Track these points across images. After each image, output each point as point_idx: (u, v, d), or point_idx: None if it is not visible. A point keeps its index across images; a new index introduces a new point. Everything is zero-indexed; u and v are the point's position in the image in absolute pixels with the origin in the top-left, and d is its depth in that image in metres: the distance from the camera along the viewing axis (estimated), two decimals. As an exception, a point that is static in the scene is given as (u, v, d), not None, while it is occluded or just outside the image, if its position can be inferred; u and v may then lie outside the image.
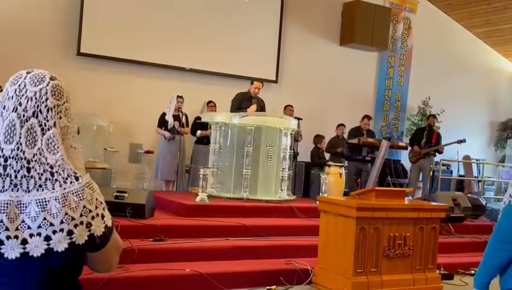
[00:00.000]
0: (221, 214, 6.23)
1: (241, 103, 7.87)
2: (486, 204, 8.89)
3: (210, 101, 9.05)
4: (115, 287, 4.30)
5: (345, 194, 7.87)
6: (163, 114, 8.44)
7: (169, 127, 8.31)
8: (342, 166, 8.01)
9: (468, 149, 11.73)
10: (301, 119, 8.68)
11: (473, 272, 6.19)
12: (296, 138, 8.64)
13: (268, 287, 4.95)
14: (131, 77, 8.88)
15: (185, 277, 4.70)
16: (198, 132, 8.69)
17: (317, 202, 6.69)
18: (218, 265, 5.07)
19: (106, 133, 8.68)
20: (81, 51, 8.44)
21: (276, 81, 10.17)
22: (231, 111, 7.78)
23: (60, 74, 1.54)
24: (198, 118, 8.65)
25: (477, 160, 12.37)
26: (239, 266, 5.14)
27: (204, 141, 8.46)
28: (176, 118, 8.37)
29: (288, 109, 9.41)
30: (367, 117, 9.75)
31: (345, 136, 9.87)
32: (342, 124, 9.86)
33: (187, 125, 8.67)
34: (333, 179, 7.53)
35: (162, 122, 8.44)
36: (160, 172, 8.46)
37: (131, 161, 8.93)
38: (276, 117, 7.64)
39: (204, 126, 8.36)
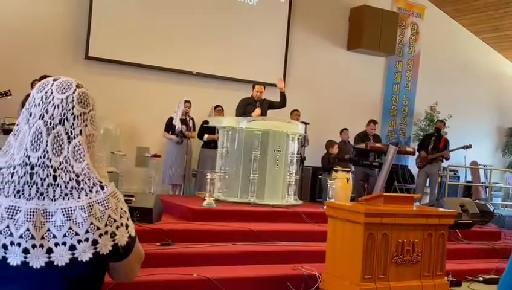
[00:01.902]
0: (228, 219, 6.22)
1: (245, 108, 7.88)
2: (494, 210, 8.84)
3: (217, 106, 9.06)
4: (122, 291, 4.29)
5: (352, 199, 7.85)
6: (171, 118, 8.46)
7: (176, 132, 8.32)
8: (349, 171, 7.99)
9: (476, 155, 11.68)
10: (308, 124, 8.68)
11: (481, 279, 6.15)
12: (303, 143, 8.63)
13: (275, 293, 4.94)
14: (138, 80, 8.91)
15: (192, 282, 4.69)
16: (206, 136, 8.71)
17: (325, 207, 6.69)
18: (226, 270, 5.06)
19: (113, 137, 8.70)
20: (89, 55, 8.48)
21: (283, 86, 10.16)
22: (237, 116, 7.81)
23: (67, 77, 1.54)
24: (206, 122, 8.66)
25: (484, 166, 12.31)
26: (246, 271, 5.12)
27: (212, 145, 8.46)
28: (183, 122, 8.38)
29: (294, 114, 9.40)
30: (373, 122, 9.73)
31: (350, 140, 9.85)
32: (345, 129, 9.83)
33: (194, 130, 8.68)
34: (340, 184, 7.50)
35: (169, 127, 8.45)
36: (168, 176, 8.47)
37: (138, 164, 8.94)
38: (284, 122, 7.63)
39: (212, 130, 8.36)
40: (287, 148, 7.35)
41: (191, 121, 8.52)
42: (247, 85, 9.07)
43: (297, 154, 7.62)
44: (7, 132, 6.16)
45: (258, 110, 7.80)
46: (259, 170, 7.08)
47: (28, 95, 5.68)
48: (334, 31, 10.85)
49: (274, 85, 9.72)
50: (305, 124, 8.36)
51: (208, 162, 8.51)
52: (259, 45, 9.87)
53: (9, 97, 6.78)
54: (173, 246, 5.28)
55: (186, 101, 8.44)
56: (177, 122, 8.34)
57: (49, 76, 5.35)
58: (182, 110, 8.38)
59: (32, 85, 7.49)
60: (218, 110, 9.01)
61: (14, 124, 5.07)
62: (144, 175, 9.00)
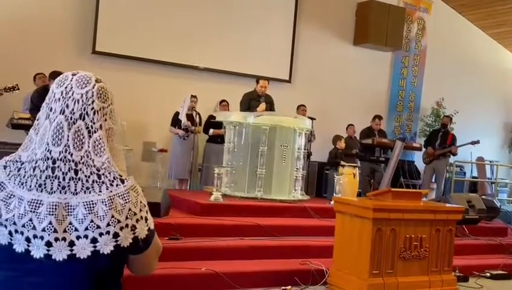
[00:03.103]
0: (235, 214, 6.24)
1: (249, 103, 7.88)
2: (500, 206, 8.84)
3: (223, 100, 9.06)
4: (131, 284, 4.27)
5: (358, 194, 7.85)
6: (177, 113, 8.45)
7: (182, 127, 8.32)
8: (355, 166, 7.99)
9: (482, 151, 11.65)
10: (315, 119, 8.67)
11: (488, 274, 6.16)
12: (309, 138, 8.63)
13: (283, 288, 4.95)
14: (145, 75, 8.91)
15: (201, 276, 4.71)
16: (211, 131, 8.70)
17: (332, 202, 6.70)
18: (234, 264, 5.08)
19: (120, 131, 8.71)
20: (96, 50, 8.49)
21: (289, 81, 10.17)
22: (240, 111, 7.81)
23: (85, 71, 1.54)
24: (211, 116, 8.66)
25: (490, 161, 12.28)
26: (254, 266, 5.14)
27: (219, 140, 8.46)
28: (189, 117, 8.38)
29: (301, 109, 9.39)
30: (378, 117, 9.72)
31: (356, 135, 9.83)
32: (352, 124, 9.81)
33: (200, 124, 8.68)
34: (347, 179, 7.50)
35: (175, 122, 8.45)
36: (174, 171, 8.48)
37: (145, 159, 8.95)
38: (291, 117, 7.63)
39: (217, 125, 8.36)
40: (294, 143, 7.35)
41: (197, 116, 8.52)
42: (254, 80, 9.08)
43: (304, 149, 7.62)
44: (16, 126, 6.18)
45: (263, 106, 7.81)
46: (266, 165, 7.09)
47: (37, 91, 5.73)
48: (340, 26, 10.83)
49: (280, 80, 9.75)
50: (312, 119, 8.34)
51: (212, 157, 8.52)
52: (265, 39, 9.86)
53: (17, 91, 6.81)
54: (181, 240, 5.30)
55: (192, 96, 8.44)
56: (182, 117, 8.34)
57: (60, 72, 5.37)
58: (188, 105, 8.37)
59: (35, 79, 7.51)
60: (224, 104, 9.01)
61: (22, 119, 5.10)
62: (151, 170, 9.01)
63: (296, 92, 10.12)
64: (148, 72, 8.95)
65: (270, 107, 7.96)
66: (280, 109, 8.22)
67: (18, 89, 6.79)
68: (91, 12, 8.46)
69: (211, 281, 4.72)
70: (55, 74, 6.47)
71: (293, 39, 10.21)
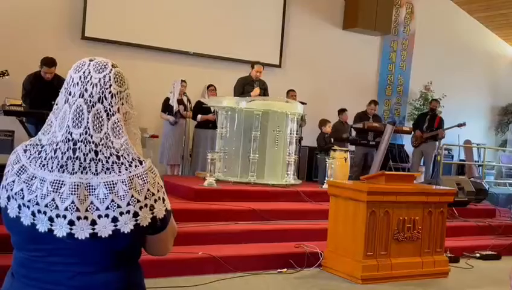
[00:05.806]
0: (229, 198, 6.28)
1: (243, 88, 7.88)
2: (488, 188, 8.97)
3: (210, 85, 9.02)
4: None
5: (349, 178, 7.92)
6: (167, 99, 8.42)
7: (174, 112, 8.30)
8: (347, 151, 8.05)
9: (469, 134, 11.78)
10: (305, 103, 8.70)
11: (477, 255, 6.29)
12: (300, 122, 8.66)
13: (279, 270, 5.02)
14: (135, 60, 8.84)
15: (198, 260, 4.76)
16: (199, 117, 8.64)
17: (323, 186, 6.76)
18: (230, 248, 5.13)
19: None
20: (85, 35, 8.41)
21: (279, 66, 10.16)
22: (234, 96, 7.80)
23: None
24: (200, 102, 8.64)
25: (478, 144, 12.43)
26: (250, 250, 5.21)
27: (210, 125, 8.43)
28: (180, 102, 8.36)
29: (290, 94, 9.38)
30: (374, 102, 9.75)
31: (349, 120, 9.86)
32: (345, 109, 9.84)
33: (191, 109, 8.66)
34: (338, 163, 7.57)
35: (166, 107, 8.43)
36: (165, 156, 8.47)
37: (137, 145, 8.92)
38: (283, 102, 7.65)
39: (206, 110, 8.33)
40: (286, 128, 7.38)
41: (188, 101, 8.50)
42: (243, 65, 9.08)
43: (296, 134, 7.65)
44: (8, 113, 6.15)
45: (257, 90, 7.82)
46: (258, 150, 7.12)
47: (28, 77, 5.76)
48: (330, 10, 10.82)
49: (270, 65, 9.74)
50: (303, 103, 8.37)
51: (202, 142, 8.50)
52: (255, 24, 9.82)
53: (6, 77, 6.74)
54: (177, 225, 5.31)
55: (182, 81, 8.41)
56: (174, 103, 8.32)
57: (51, 58, 5.35)
58: (178, 90, 8.35)
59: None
60: (211, 89, 8.96)
61: (14, 105, 5.09)
62: (143, 156, 8.97)
63: (286, 76, 10.12)
64: (138, 57, 8.89)
65: (264, 92, 7.98)
66: (271, 94, 8.24)
67: (8, 74, 6.72)
68: (80, -2, 8.37)
69: (207, 265, 4.78)
70: (45, 60, 6.41)
71: (282, 23, 10.18)
